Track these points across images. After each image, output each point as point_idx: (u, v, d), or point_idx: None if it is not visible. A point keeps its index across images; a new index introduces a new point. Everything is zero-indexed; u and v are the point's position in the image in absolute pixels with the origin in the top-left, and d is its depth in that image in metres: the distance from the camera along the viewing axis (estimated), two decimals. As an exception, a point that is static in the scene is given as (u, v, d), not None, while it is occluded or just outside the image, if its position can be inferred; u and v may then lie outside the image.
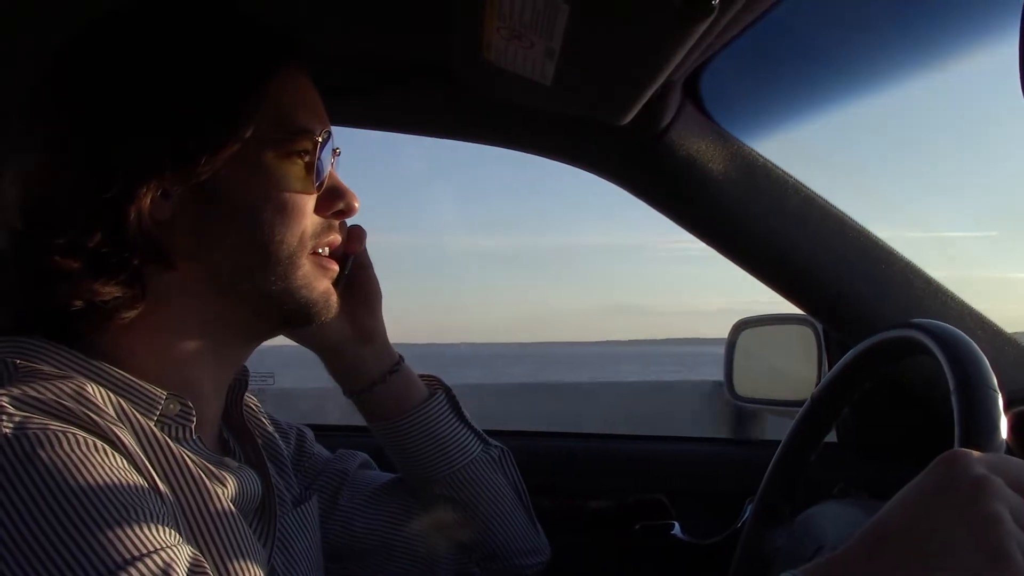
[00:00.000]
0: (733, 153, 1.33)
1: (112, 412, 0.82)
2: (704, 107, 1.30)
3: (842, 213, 1.37)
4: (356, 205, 0.99)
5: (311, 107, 0.96)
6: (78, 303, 0.85)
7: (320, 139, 0.94)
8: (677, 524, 1.65)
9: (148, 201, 0.86)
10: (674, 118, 1.27)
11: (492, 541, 1.22)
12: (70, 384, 0.81)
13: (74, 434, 0.75)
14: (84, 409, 0.78)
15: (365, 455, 1.33)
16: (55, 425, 0.75)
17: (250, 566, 0.87)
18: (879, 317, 1.34)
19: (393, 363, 1.19)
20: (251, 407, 1.14)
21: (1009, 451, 0.84)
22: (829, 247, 1.36)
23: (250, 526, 0.94)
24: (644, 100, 1.12)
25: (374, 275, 1.18)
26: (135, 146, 0.85)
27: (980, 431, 0.84)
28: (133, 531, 0.72)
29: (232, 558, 0.85)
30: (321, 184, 0.95)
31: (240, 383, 1.07)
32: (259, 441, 1.08)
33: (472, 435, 1.23)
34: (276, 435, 1.17)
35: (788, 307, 1.54)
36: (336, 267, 1.00)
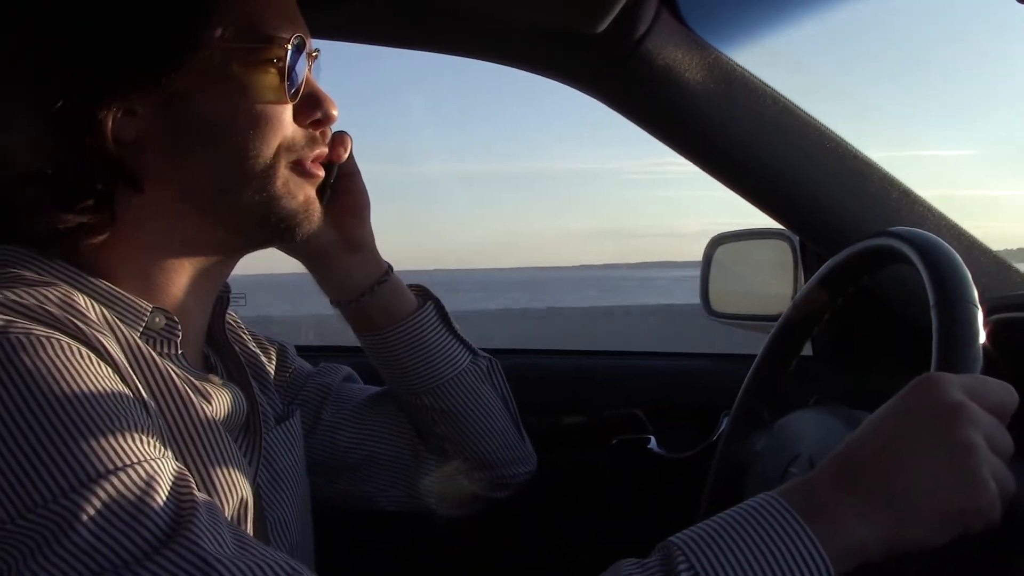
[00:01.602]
0: (710, 63, 1.30)
1: (97, 320, 0.81)
2: (680, 15, 1.27)
3: (820, 124, 1.35)
4: (334, 113, 0.95)
5: (280, 10, 0.91)
6: (43, 230, 0.82)
7: (291, 44, 0.89)
8: (653, 438, 1.67)
9: (111, 122, 0.82)
10: (650, 27, 1.24)
11: (480, 451, 1.22)
12: (55, 290, 0.79)
13: (58, 339, 0.73)
14: (69, 316, 0.76)
15: (349, 368, 1.32)
16: (38, 330, 0.73)
17: (235, 479, 0.86)
18: (856, 228, 1.33)
19: (382, 273, 1.17)
20: (232, 323, 1.12)
21: (988, 361, 0.84)
22: (806, 158, 1.35)
23: (236, 443, 0.93)
24: (619, 7, 1.09)
25: (361, 182, 1.14)
26: (91, 64, 0.81)
27: (958, 351, 0.83)
28: (116, 440, 0.70)
29: (217, 471, 0.85)
30: (297, 92, 0.91)
31: (222, 300, 1.05)
32: (241, 358, 1.06)
33: (461, 346, 1.22)
34: (258, 351, 1.16)
35: (764, 224, 1.54)
36: (322, 172, 0.96)
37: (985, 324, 0.86)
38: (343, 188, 1.11)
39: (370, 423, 1.24)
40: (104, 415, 0.71)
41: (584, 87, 1.38)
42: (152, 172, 0.86)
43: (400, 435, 1.24)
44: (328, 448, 1.22)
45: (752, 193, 1.42)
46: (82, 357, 0.74)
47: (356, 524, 1.37)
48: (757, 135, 1.34)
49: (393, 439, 1.23)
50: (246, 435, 0.98)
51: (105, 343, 0.77)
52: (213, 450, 0.85)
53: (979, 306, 0.85)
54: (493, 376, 1.25)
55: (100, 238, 0.85)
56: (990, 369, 0.82)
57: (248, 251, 0.98)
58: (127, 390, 0.77)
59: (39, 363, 0.71)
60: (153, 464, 0.72)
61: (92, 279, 0.85)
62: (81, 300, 0.81)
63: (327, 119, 0.95)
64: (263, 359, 1.16)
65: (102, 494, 0.68)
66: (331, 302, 1.19)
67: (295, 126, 0.92)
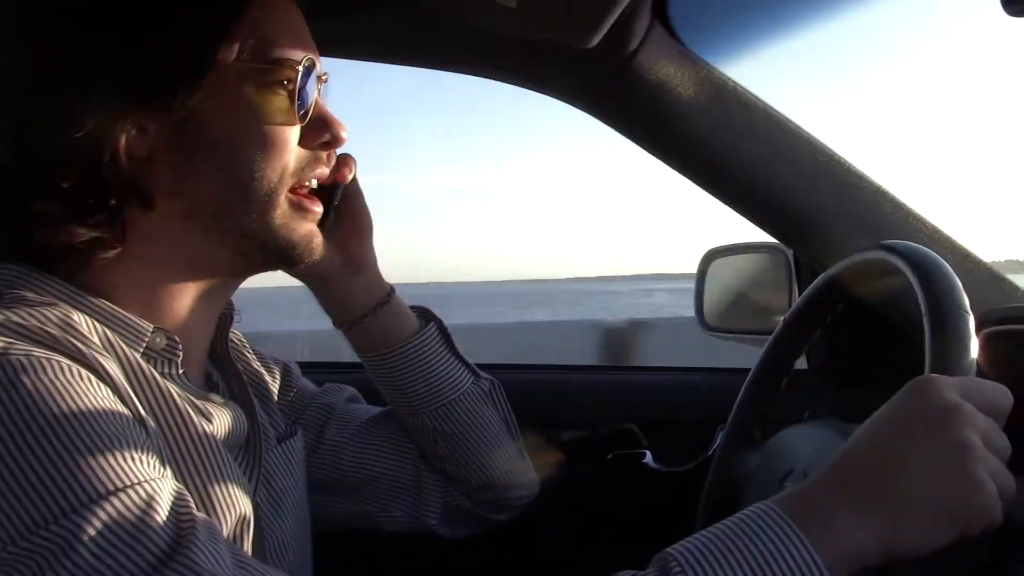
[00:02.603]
0: (703, 77, 1.30)
1: (98, 341, 0.81)
2: (673, 29, 1.27)
3: (812, 137, 1.35)
4: (343, 135, 0.96)
5: (293, 33, 0.92)
6: (55, 244, 0.83)
7: (302, 67, 0.90)
8: (649, 453, 1.66)
9: (124, 139, 0.83)
10: (643, 41, 1.24)
11: (482, 473, 1.22)
12: (55, 311, 0.80)
13: (58, 361, 0.73)
14: (69, 337, 0.77)
15: (352, 389, 1.32)
16: (38, 352, 0.73)
17: (235, 498, 0.87)
18: (849, 241, 1.34)
19: (384, 295, 1.17)
20: (236, 342, 1.13)
21: (980, 373, 0.84)
22: (799, 171, 1.35)
23: (236, 462, 0.93)
24: (611, 21, 1.09)
25: (365, 205, 1.15)
26: (106, 82, 0.82)
27: (950, 354, 0.83)
28: (116, 461, 0.71)
29: (217, 491, 0.85)
30: (306, 114, 0.92)
31: (226, 318, 1.05)
32: (244, 377, 1.06)
33: (463, 367, 1.22)
34: (261, 370, 1.16)
35: (759, 237, 1.54)
36: (320, 209, 0.97)
37: (976, 336, 0.86)
38: (346, 210, 1.12)
39: (373, 443, 1.23)
40: (103, 436, 0.72)
41: (577, 102, 1.38)
42: (161, 189, 0.87)
43: (402, 455, 1.24)
44: (331, 467, 1.22)
45: (745, 207, 1.42)
46: (82, 378, 0.74)
47: (355, 544, 1.36)
48: (750, 149, 1.34)
49: (395, 459, 1.23)
50: (246, 454, 0.98)
51: (105, 364, 0.78)
52: (213, 469, 0.85)
53: (970, 312, 0.86)
54: (495, 397, 1.25)
55: (112, 253, 0.86)
56: (982, 381, 0.82)
57: (251, 274, 0.98)
58: (126, 410, 0.77)
59: (39, 385, 0.71)
60: (153, 484, 0.72)
61: (93, 299, 0.85)
62: (82, 321, 0.81)
63: (336, 141, 0.96)
64: (267, 378, 1.16)
65: (102, 515, 0.68)
66: (333, 323, 1.19)
67: (300, 148, 0.93)
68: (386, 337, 1.17)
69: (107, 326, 0.85)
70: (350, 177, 1.06)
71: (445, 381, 1.19)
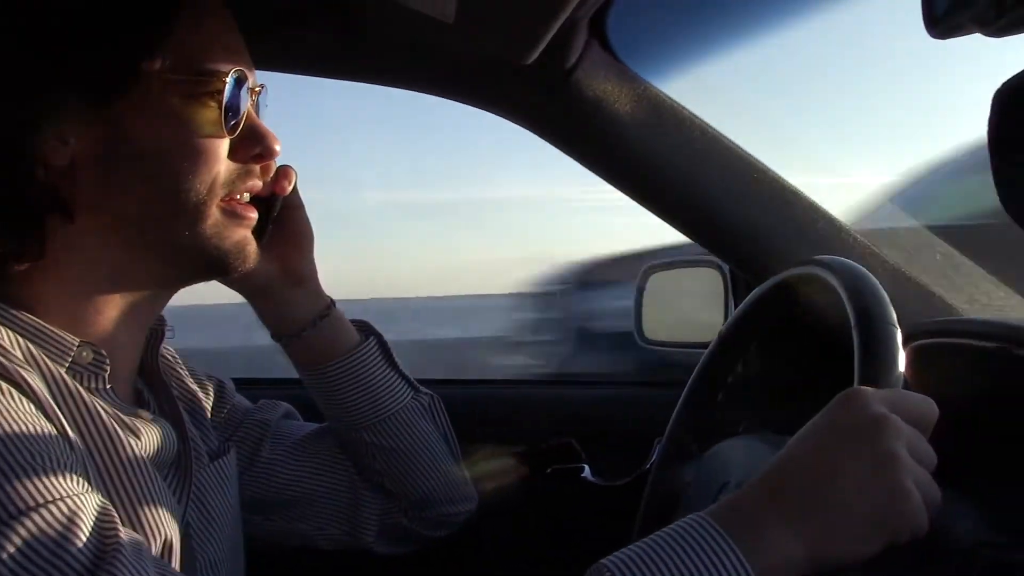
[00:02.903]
0: (640, 94, 1.32)
1: (20, 356, 0.79)
2: (611, 46, 1.28)
3: (747, 154, 1.37)
4: (276, 148, 0.94)
5: (222, 44, 0.90)
6: None
7: (231, 79, 0.88)
8: (587, 467, 1.67)
9: (43, 148, 0.81)
10: (580, 58, 1.25)
11: (420, 489, 1.21)
12: None
13: None
14: None
15: (288, 405, 1.30)
16: None
17: (162, 516, 0.85)
18: (783, 256, 1.36)
19: (324, 307, 1.16)
20: (168, 358, 1.10)
21: (907, 386, 0.86)
22: (734, 188, 1.37)
23: (165, 480, 0.91)
24: (548, 38, 1.10)
25: (305, 216, 1.13)
26: (24, 90, 0.80)
27: (878, 367, 0.85)
28: (38, 477, 0.69)
29: (143, 508, 0.83)
30: (236, 126, 0.90)
31: (156, 333, 1.03)
32: (175, 393, 1.04)
33: (402, 382, 1.21)
34: (195, 387, 1.14)
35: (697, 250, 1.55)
36: (254, 215, 0.96)
37: (904, 350, 0.88)
38: (286, 222, 1.10)
39: (309, 460, 1.22)
40: (25, 451, 0.70)
41: (516, 117, 1.39)
42: (83, 200, 0.85)
43: (339, 472, 1.22)
44: (266, 485, 1.20)
45: (682, 222, 1.44)
46: (3, 393, 0.73)
47: (291, 562, 1.35)
48: (686, 166, 1.36)
49: (332, 476, 1.22)
50: (176, 472, 0.97)
51: (28, 378, 0.76)
52: (140, 487, 0.84)
53: (897, 326, 0.88)
54: (434, 412, 1.24)
55: (24, 265, 0.83)
56: (909, 395, 0.84)
57: (181, 286, 0.97)
58: (50, 426, 0.75)
59: None
60: (76, 499, 0.71)
61: (15, 312, 0.83)
62: (3, 334, 0.80)
63: (268, 154, 0.94)
64: (200, 395, 1.14)
65: (23, 531, 0.67)
66: (272, 336, 1.17)
67: (229, 161, 0.91)
68: (326, 350, 1.16)
69: (30, 340, 0.83)
70: (289, 189, 1.04)
71: (385, 395, 1.18)
